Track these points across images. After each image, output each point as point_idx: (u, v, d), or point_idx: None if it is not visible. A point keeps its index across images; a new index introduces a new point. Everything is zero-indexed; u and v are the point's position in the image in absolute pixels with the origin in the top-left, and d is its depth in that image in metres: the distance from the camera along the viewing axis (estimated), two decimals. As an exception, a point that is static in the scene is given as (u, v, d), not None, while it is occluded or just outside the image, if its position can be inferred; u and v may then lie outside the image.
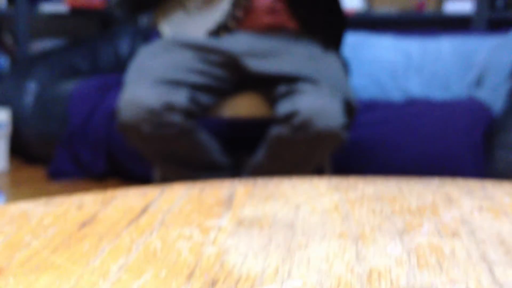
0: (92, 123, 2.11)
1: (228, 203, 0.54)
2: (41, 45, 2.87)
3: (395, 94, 2.10)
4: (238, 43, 1.56)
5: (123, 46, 2.54)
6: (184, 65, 1.51)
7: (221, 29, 1.57)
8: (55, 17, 2.93)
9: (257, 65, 1.53)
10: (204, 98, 1.52)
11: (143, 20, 3.12)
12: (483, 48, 2.07)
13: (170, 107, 1.43)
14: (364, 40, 2.23)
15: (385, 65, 2.13)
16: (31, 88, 2.25)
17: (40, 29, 3.04)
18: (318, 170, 1.58)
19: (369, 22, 2.71)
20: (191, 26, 1.62)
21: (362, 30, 2.34)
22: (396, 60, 2.13)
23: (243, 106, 1.60)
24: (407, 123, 1.72)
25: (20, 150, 2.36)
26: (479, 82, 2.01)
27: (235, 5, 1.55)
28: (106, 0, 3.19)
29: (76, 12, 2.94)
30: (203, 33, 1.58)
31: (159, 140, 1.47)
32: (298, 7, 1.65)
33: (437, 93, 2.05)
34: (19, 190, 2.07)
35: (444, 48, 2.12)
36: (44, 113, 2.19)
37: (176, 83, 1.47)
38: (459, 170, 1.63)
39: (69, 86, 2.21)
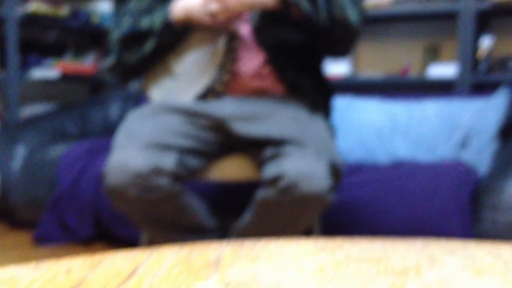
0: (80, 187, 2.11)
1: (216, 265, 0.55)
2: (31, 110, 2.89)
3: (382, 156, 2.13)
4: (225, 107, 1.58)
5: (113, 110, 2.56)
6: (172, 128, 1.52)
7: (208, 93, 1.60)
8: (46, 83, 2.97)
9: (244, 128, 1.55)
10: (192, 162, 1.53)
11: (133, 85, 3.16)
12: (467, 111, 2.11)
13: (157, 171, 1.44)
14: (351, 104, 2.27)
15: (372, 128, 2.16)
16: (20, 153, 2.25)
17: (30, 94, 3.07)
18: (306, 231, 1.58)
19: (355, 86, 2.77)
20: (179, 90, 1.64)
21: (349, 93, 2.39)
22: (382, 123, 2.16)
23: (230, 169, 1.61)
24: (394, 185, 1.73)
25: (7, 215, 2.35)
26: (464, 144, 2.04)
27: (222, 69, 1.58)
28: (97, 66, 3.25)
29: (67, 78, 2.98)
30: (191, 98, 1.60)
31: (147, 204, 1.46)
32: (286, 72, 1.68)
33: (423, 155, 2.07)
34: (5, 255, 2.04)
35: (429, 111, 2.16)
36: (32, 177, 2.19)
37: (164, 147, 1.48)
38: (447, 232, 1.63)
39: (57, 150, 2.22)
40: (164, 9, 1.58)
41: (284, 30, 1.67)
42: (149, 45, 1.60)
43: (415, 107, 2.19)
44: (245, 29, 1.66)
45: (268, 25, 1.64)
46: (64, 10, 2.94)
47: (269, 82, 1.68)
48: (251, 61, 1.66)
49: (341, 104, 2.27)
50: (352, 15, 1.54)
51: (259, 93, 1.66)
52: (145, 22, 1.60)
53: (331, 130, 1.71)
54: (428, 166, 1.83)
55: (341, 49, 1.65)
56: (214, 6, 1.52)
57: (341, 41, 1.61)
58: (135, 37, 1.63)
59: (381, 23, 2.89)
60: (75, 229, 2.11)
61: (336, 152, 1.56)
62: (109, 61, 1.70)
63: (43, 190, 2.16)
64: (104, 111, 2.53)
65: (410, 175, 1.76)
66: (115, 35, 1.65)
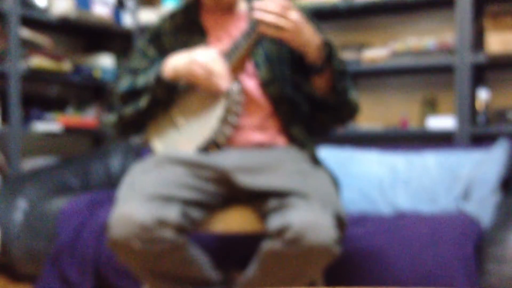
0: (81, 240, 2.09)
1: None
2: (33, 163, 2.90)
3: (384, 207, 2.13)
4: (228, 158, 1.59)
5: (115, 163, 2.57)
6: (176, 180, 1.53)
7: (210, 146, 1.61)
8: (48, 136, 2.99)
9: (247, 180, 1.56)
10: (195, 213, 1.53)
11: (135, 138, 3.18)
12: (467, 162, 2.12)
13: (161, 223, 1.43)
14: (352, 155, 2.28)
15: (373, 179, 2.17)
16: (21, 206, 2.25)
17: (32, 147, 3.08)
18: (310, 283, 1.56)
19: (355, 138, 2.79)
20: (181, 142, 1.65)
21: (349, 145, 2.40)
22: (383, 174, 2.17)
23: (234, 221, 1.61)
24: (398, 236, 1.73)
25: (7, 268, 2.32)
26: (466, 195, 2.04)
27: (225, 123, 1.60)
28: (99, 119, 3.27)
29: (69, 131, 3.00)
30: (193, 149, 1.61)
31: (150, 256, 1.45)
32: (290, 125, 1.71)
33: (425, 206, 2.07)
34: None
35: (429, 162, 2.17)
36: (33, 231, 2.17)
37: (167, 199, 1.48)
38: (452, 283, 1.62)
39: (58, 203, 2.21)
40: (158, 67, 1.64)
41: (290, 86, 1.70)
42: (144, 100, 1.66)
43: (415, 158, 2.20)
44: (250, 83, 1.69)
45: (275, 80, 1.67)
46: (66, 65, 2.98)
47: (272, 135, 1.70)
48: (254, 115, 1.68)
49: (342, 156, 2.28)
50: (356, 104, 1.68)
51: (262, 146, 1.68)
52: (141, 80, 1.67)
53: (335, 182, 1.71)
54: (431, 217, 1.83)
55: (336, 126, 1.76)
56: (197, 69, 1.56)
57: (343, 118, 1.72)
58: (132, 94, 1.69)
59: (379, 77, 2.93)
60: (75, 283, 2.08)
61: (341, 203, 1.56)
62: (111, 117, 1.76)
63: (43, 243, 2.15)
64: (105, 163, 2.54)
65: (413, 226, 1.76)
66: (116, 93, 1.73)
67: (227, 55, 1.63)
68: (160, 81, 1.62)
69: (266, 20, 1.51)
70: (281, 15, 1.50)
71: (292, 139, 1.71)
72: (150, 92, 1.64)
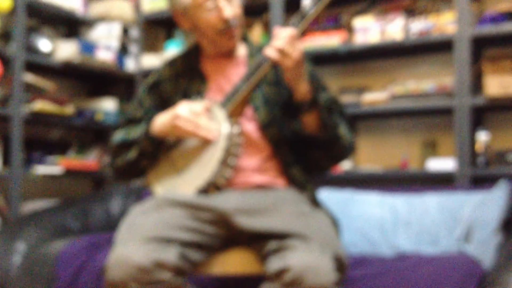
0: (79, 283, 2.07)
1: None
2: (33, 205, 2.89)
3: (385, 249, 2.11)
4: (227, 200, 1.59)
5: (115, 205, 2.57)
6: (174, 222, 1.52)
7: (210, 188, 1.61)
8: (49, 178, 2.99)
9: (247, 222, 1.55)
10: (194, 255, 1.52)
11: (135, 181, 3.18)
12: (468, 204, 2.12)
13: (159, 265, 1.42)
14: (352, 197, 2.28)
15: (373, 220, 2.16)
16: (20, 248, 2.24)
17: (33, 190, 3.08)
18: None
19: (356, 180, 2.79)
20: (181, 185, 1.66)
21: (349, 187, 2.40)
22: (383, 216, 2.16)
23: (233, 263, 1.60)
24: (399, 278, 1.71)
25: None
26: (467, 237, 2.03)
27: (224, 164, 1.61)
28: (100, 161, 3.28)
29: (70, 173, 3.01)
30: (193, 191, 1.62)
31: (148, 299, 1.44)
32: (289, 167, 1.72)
33: (426, 248, 2.06)
34: None
35: (430, 204, 2.16)
36: (32, 273, 2.15)
37: (166, 241, 1.48)
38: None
39: (57, 246, 2.20)
40: (147, 125, 1.71)
41: (289, 128, 1.71)
42: (132, 153, 1.73)
43: (416, 200, 2.19)
44: (249, 126, 1.71)
45: (273, 123, 1.69)
46: (69, 109, 3.01)
47: (272, 177, 1.71)
48: (254, 156, 1.70)
49: (342, 198, 2.28)
50: (349, 144, 1.71)
51: (262, 187, 1.68)
52: (132, 134, 1.74)
53: (335, 223, 1.71)
54: (433, 258, 1.81)
55: (331, 165, 1.77)
56: (181, 124, 1.61)
57: (335, 156, 1.73)
58: (124, 146, 1.76)
59: (379, 119, 2.95)
60: (73, 327, 2.05)
61: (341, 245, 1.55)
62: (108, 167, 1.83)
63: (42, 286, 2.12)
64: (105, 206, 2.53)
65: (414, 268, 1.74)
66: (110, 145, 1.82)
67: (228, 98, 1.66)
68: (148, 138, 1.69)
69: (275, 44, 1.55)
70: (289, 42, 1.54)
71: (292, 181, 1.72)
72: (139, 146, 1.71)
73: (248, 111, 1.73)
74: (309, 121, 1.65)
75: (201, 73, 1.80)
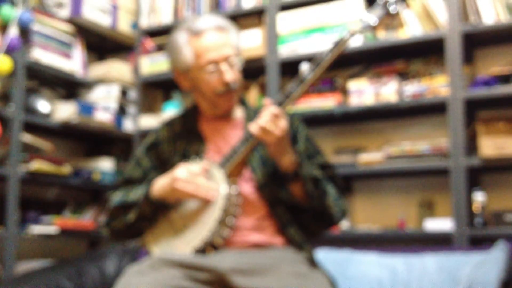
0: None
1: None
2: (27, 266, 2.86)
3: (384, 311, 2.08)
4: (225, 260, 1.58)
5: (110, 266, 2.53)
6: (171, 283, 1.51)
7: (207, 247, 1.61)
8: (44, 238, 2.96)
9: (244, 282, 1.54)
10: (191, 316, 1.50)
11: (131, 242, 3.16)
12: (467, 265, 2.10)
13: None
14: (350, 257, 2.26)
15: (372, 281, 2.13)
16: (12, 310, 2.19)
17: (28, 250, 3.05)
18: None
19: (353, 240, 2.77)
20: (178, 244, 1.65)
21: (347, 247, 2.38)
22: (382, 277, 2.14)
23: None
24: None
25: None
26: (466, 298, 2.00)
27: (221, 224, 1.61)
28: (96, 221, 3.26)
29: (65, 233, 2.98)
30: (190, 251, 1.61)
31: None
32: (286, 226, 1.72)
33: (426, 309, 2.03)
34: None
35: (428, 264, 2.15)
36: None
37: (162, 303, 1.46)
38: None
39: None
40: (147, 186, 1.72)
41: (285, 190, 1.73)
42: (131, 216, 1.73)
43: (414, 260, 2.18)
44: (247, 187, 1.72)
45: (270, 183, 1.71)
46: (66, 169, 3.02)
47: (269, 235, 1.70)
48: (251, 216, 1.70)
49: (340, 258, 2.26)
50: (337, 213, 1.73)
51: (259, 246, 1.68)
52: (132, 197, 1.74)
53: (333, 284, 1.69)
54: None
55: (320, 230, 1.80)
56: (181, 185, 1.62)
57: (321, 228, 1.78)
58: (123, 209, 1.76)
59: (375, 179, 2.96)
60: None
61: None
62: (104, 229, 1.85)
63: None
64: (100, 266, 2.50)
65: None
66: (108, 207, 1.81)
67: (226, 159, 1.69)
68: (148, 201, 1.70)
69: (258, 122, 1.60)
70: (271, 121, 1.59)
71: (289, 240, 1.72)
72: (138, 209, 1.71)
73: (246, 172, 1.75)
74: (295, 191, 1.70)
75: (199, 135, 1.82)
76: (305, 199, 1.69)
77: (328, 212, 1.71)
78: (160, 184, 1.68)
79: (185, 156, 1.79)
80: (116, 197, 1.79)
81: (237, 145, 1.69)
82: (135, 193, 1.74)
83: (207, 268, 1.55)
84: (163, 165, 1.81)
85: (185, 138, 1.83)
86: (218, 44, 1.74)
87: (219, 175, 1.66)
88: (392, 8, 1.69)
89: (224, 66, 1.74)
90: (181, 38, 1.78)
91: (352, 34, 1.69)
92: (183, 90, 1.87)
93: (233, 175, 1.69)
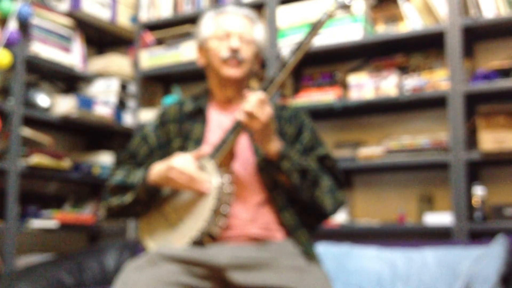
0: None
1: None
2: (28, 260, 2.86)
3: (383, 305, 2.08)
4: (222, 255, 1.58)
5: (110, 260, 2.54)
6: (169, 279, 1.51)
7: (205, 238, 1.61)
8: (44, 232, 2.97)
9: (242, 277, 1.55)
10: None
11: (130, 234, 3.16)
12: (466, 259, 2.11)
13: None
14: (349, 251, 2.26)
15: (371, 275, 2.14)
16: (12, 304, 2.20)
17: (28, 244, 3.05)
18: None
19: (353, 234, 2.77)
20: (174, 237, 1.66)
21: (346, 241, 2.39)
22: (381, 271, 2.15)
23: (229, 318, 1.57)
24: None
25: None
26: (466, 292, 2.01)
27: (216, 213, 1.61)
28: (95, 215, 3.27)
29: (65, 227, 2.99)
30: (187, 243, 1.61)
31: None
32: (284, 212, 1.72)
33: (426, 304, 2.03)
34: None
35: (428, 258, 2.15)
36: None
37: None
38: None
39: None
40: (145, 172, 1.74)
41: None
42: (128, 197, 1.75)
43: (414, 254, 2.18)
44: (246, 172, 1.74)
45: (270, 167, 1.71)
46: (66, 163, 3.01)
47: (266, 225, 1.70)
48: (249, 202, 1.71)
49: (340, 252, 2.27)
50: (329, 205, 1.73)
51: (258, 240, 1.68)
52: (131, 179, 1.76)
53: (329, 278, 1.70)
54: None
55: (310, 223, 1.79)
56: (175, 175, 1.64)
57: (314, 219, 1.78)
58: (121, 188, 1.77)
59: (375, 173, 2.96)
60: None
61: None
62: (102, 203, 1.88)
63: None
64: (100, 260, 2.51)
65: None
66: (108, 183, 1.83)
67: (216, 149, 1.71)
68: (145, 186, 1.71)
69: (244, 108, 1.62)
70: (257, 106, 1.61)
71: (284, 225, 1.72)
72: (135, 192, 1.73)
73: (248, 155, 1.77)
74: (283, 180, 1.71)
75: (205, 119, 1.84)
76: (292, 190, 1.71)
77: (318, 203, 1.71)
78: (157, 171, 1.70)
79: (186, 139, 1.82)
80: (118, 176, 1.81)
81: (226, 135, 1.71)
82: (135, 176, 1.76)
83: (205, 263, 1.55)
84: (168, 145, 1.85)
85: (191, 120, 1.85)
86: (238, 24, 1.84)
87: (210, 166, 1.68)
88: None
89: (234, 37, 1.82)
90: (208, 14, 1.91)
91: (329, 16, 1.74)
92: (200, 65, 1.93)
93: (224, 165, 1.70)
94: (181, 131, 1.84)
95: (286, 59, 1.69)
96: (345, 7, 1.76)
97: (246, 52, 1.82)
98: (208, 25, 1.87)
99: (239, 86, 1.85)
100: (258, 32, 1.88)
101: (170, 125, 1.86)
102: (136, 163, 1.84)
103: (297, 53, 1.69)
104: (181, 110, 1.89)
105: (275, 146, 1.67)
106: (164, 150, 1.83)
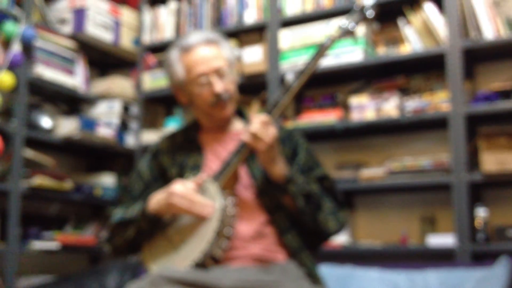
0: None
1: None
2: (29, 282, 2.85)
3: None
4: (226, 277, 1.56)
5: (111, 282, 2.53)
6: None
7: (207, 260, 1.60)
8: (45, 254, 2.96)
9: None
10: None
11: (132, 257, 3.14)
12: (469, 281, 2.09)
13: None
14: (351, 273, 2.25)
15: (374, 297, 2.13)
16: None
17: (29, 265, 3.04)
18: None
19: (355, 256, 2.76)
20: (177, 259, 1.65)
21: (348, 263, 2.37)
22: (384, 293, 2.13)
23: None
24: None
25: None
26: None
27: (220, 235, 1.61)
28: (97, 237, 3.26)
29: (66, 249, 2.98)
30: (189, 265, 1.60)
31: None
32: (286, 234, 1.72)
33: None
34: None
35: (431, 280, 2.14)
36: None
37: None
38: None
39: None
40: (143, 203, 1.74)
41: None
42: (130, 232, 1.75)
43: (417, 276, 2.17)
44: (247, 194, 1.75)
45: (270, 191, 1.71)
46: (68, 184, 3.02)
47: (269, 246, 1.70)
48: (251, 222, 1.71)
49: (342, 274, 2.25)
50: (332, 226, 1.74)
51: (261, 261, 1.67)
52: (130, 213, 1.76)
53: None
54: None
55: (312, 244, 1.79)
56: (177, 200, 1.64)
57: (316, 240, 1.79)
58: (122, 225, 1.78)
59: (377, 194, 2.96)
60: None
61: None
62: (106, 246, 1.88)
63: None
64: (102, 282, 2.49)
65: None
66: (109, 224, 1.83)
67: (220, 172, 1.71)
68: (145, 216, 1.71)
69: (249, 129, 1.64)
70: (262, 127, 1.63)
71: (287, 247, 1.72)
72: (136, 225, 1.73)
73: (246, 178, 1.77)
74: (287, 203, 1.72)
75: (199, 147, 1.85)
76: (296, 212, 1.71)
77: (320, 227, 1.72)
78: (156, 200, 1.70)
79: (182, 168, 1.82)
80: (116, 214, 1.81)
81: (230, 157, 1.72)
82: (133, 210, 1.76)
83: (208, 285, 1.53)
84: (163, 177, 1.85)
85: (185, 150, 1.86)
86: (207, 57, 1.81)
87: (214, 188, 1.68)
88: (368, 13, 1.77)
89: (213, 78, 1.79)
90: (173, 55, 1.86)
91: (333, 41, 1.76)
92: (181, 104, 1.93)
93: (228, 187, 1.71)
94: (176, 161, 1.85)
95: (290, 83, 1.71)
96: (349, 33, 1.77)
97: (228, 85, 1.81)
98: (178, 68, 1.83)
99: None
100: (226, 51, 1.86)
101: (164, 157, 1.88)
102: (133, 200, 1.85)
103: (301, 77, 1.71)
104: (173, 142, 1.91)
105: (280, 168, 1.68)
106: (159, 182, 1.84)
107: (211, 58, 1.81)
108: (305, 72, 1.71)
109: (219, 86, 1.78)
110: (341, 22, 1.79)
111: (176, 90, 1.89)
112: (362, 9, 1.77)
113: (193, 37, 1.85)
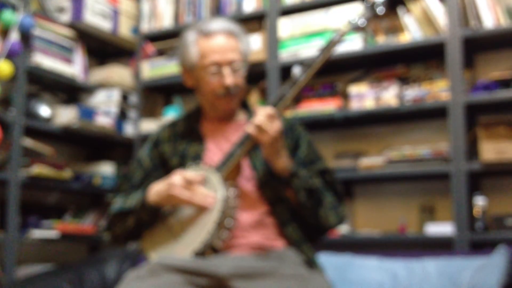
0: None
1: None
2: (28, 270, 2.86)
3: (385, 315, 2.08)
4: (224, 265, 1.57)
5: (110, 270, 2.53)
6: (170, 289, 1.51)
7: (207, 250, 1.61)
8: (45, 242, 2.97)
9: (244, 287, 1.54)
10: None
11: (131, 245, 3.15)
12: (467, 270, 2.10)
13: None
14: (350, 262, 2.26)
15: (372, 286, 2.13)
16: (12, 315, 2.19)
17: (29, 254, 3.05)
18: None
19: (354, 244, 2.77)
20: (177, 248, 1.65)
21: (347, 252, 2.38)
22: (383, 281, 2.14)
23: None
24: None
25: None
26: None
27: (220, 226, 1.61)
28: (96, 226, 3.26)
29: (66, 238, 2.98)
30: (189, 254, 1.61)
31: None
32: (286, 225, 1.72)
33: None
34: None
35: (429, 269, 2.14)
36: None
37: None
38: None
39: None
40: (143, 193, 1.73)
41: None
42: (130, 222, 1.75)
43: (415, 265, 2.18)
44: (248, 185, 1.75)
45: (271, 181, 1.72)
46: (67, 173, 3.02)
47: (269, 234, 1.71)
48: (252, 212, 1.71)
49: (341, 262, 2.26)
50: (332, 221, 1.74)
51: (260, 248, 1.68)
52: (129, 203, 1.75)
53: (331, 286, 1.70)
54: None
55: (312, 236, 1.80)
56: (177, 191, 1.63)
57: (316, 233, 1.80)
58: (121, 215, 1.77)
59: (376, 183, 2.96)
60: None
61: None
62: (105, 234, 1.88)
63: None
64: (101, 271, 2.50)
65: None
66: (109, 213, 1.83)
67: (223, 163, 1.70)
68: (144, 207, 1.71)
69: (253, 121, 1.63)
70: (267, 120, 1.62)
71: (287, 238, 1.73)
72: (136, 215, 1.73)
73: (248, 170, 1.77)
74: (290, 196, 1.72)
75: (200, 136, 1.84)
76: (297, 206, 1.72)
77: (321, 221, 1.73)
78: (156, 190, 1.69)
79: (184, 157, 1.81)
80: (116, 204, 1.80)
81: (233, 148, 1.71)
82: (133, 199, 1.75)
83: (207, 273, 1.55)
84: (164, 166, 1.84)
85: (186, 139, 1.85)
86: (224, 48, 1.78)
87: (216, 179, 1.67)
88: (379, 10, 1.76)
89: (226, 70, 1.77)
90: (190, 36, 1.82)
91: (342, 36, 1.73)
92: (187, 86, 1.89)
93: (230, 178, 1.70)
94: (177, 150, 1.84)
95: (297, 77, 1.69)
96: (358, 29, 1.76)
97: (238, 80, 1.80)
98: (193, 51, 1.79)
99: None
100: (244, 45, 1.83)
101: (165, 145, 1.86)
102: (133, 188, 1.84)
103: (308, 72, 1.69)
104: (174, 131, 1.89)
105: (284, 162, 1.67)
106: (160, 171, 1.83)
107: (228, 49, 1.78)
108: (312, 67, 1.69)
109: (230, 79, 1.76)
110: (351, 17, 1.77)
111: (185, 71, 1.86)
112: (372, 6, 1.75)
113: (215, 24, 1.81)
